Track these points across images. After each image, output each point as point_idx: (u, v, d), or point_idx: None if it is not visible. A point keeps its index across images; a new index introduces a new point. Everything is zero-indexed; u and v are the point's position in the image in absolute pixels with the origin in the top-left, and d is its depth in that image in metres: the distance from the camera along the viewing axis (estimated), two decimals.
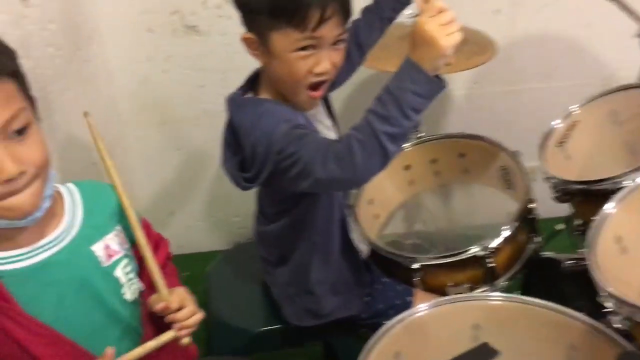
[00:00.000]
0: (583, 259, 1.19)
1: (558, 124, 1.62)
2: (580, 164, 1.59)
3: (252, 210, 1.42)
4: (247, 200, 1.42)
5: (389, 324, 1.15)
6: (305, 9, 1.08)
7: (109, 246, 1.03)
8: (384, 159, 1.02)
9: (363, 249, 1.45)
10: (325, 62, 1.15)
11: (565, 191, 1.45)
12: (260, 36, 1.15)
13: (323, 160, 1.04)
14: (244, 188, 1.20)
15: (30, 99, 0.93)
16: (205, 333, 1.58)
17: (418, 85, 0.98)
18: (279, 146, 1.09)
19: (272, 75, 1.19)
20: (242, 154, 1.19)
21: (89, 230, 1.01)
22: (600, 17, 1.99)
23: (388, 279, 1.45)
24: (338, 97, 2.03)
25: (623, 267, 1.17)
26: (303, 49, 1.13)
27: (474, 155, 1.72)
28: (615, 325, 1.06)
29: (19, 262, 0.94)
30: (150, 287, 1.09)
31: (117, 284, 1.04)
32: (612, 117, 1.62)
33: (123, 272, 1.04)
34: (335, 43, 1.16)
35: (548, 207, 1.60)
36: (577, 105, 1.63)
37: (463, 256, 1.41)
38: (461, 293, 1.41)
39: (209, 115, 2.07)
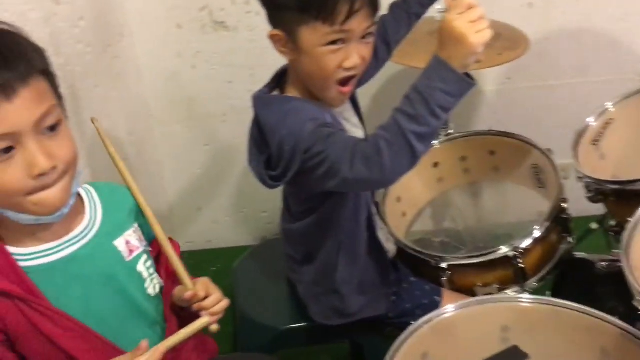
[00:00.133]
0: (617, 261, 1.16)
1: (592, 121, 1.58)
2: (614, 163, 1.56)
3: (279, 206, 1.42)
4: (274, 196, 1.42)
5: (416, 324, 1.14)
6: (334, 2, 1.07)
7: (129, 242, 1.05)
8: (413, 158, 1.01)
9: (390, 248, 1.44)
10: (355, 56, 1.14)
11: (599, 191, 1.42)
12: (288, 32, 1.14)
13: (350, 160, 1.03)
14: (271, 186, 1.20)
15: (59, 97, 0.95)
16: (231, 329, 1.59)
17: (447, 83, 0.97)
18: (306, 145, 1.08)
19: (301, 71, 1.18)
20: (269, 152, 1.18)
21: (110, 227, 1.03)
22: (636, 9, 1.95)
23: (416, 278, 1.44)
24: (366, 93, 2.02)
25: None
26: (332, 43, 1.12)
27: (505, 152, 1.69)
28: None
29: (45, 257, 0.96)
30: (168, 283, 1.11)
31: (140, 279, 1.05)
32: None
33: (144, 267, 1.06)
34: (364, 37, 1.14)
35: (581, 205, 1.57)
36: (612, 102, 1.59)
37: (492, 256, 1.39)
38: (490, 294, 1.39)
39: (237, 112, 2.07)
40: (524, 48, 1.64)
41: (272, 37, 1.17)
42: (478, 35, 0.95)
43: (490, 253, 1.39)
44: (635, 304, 1.04)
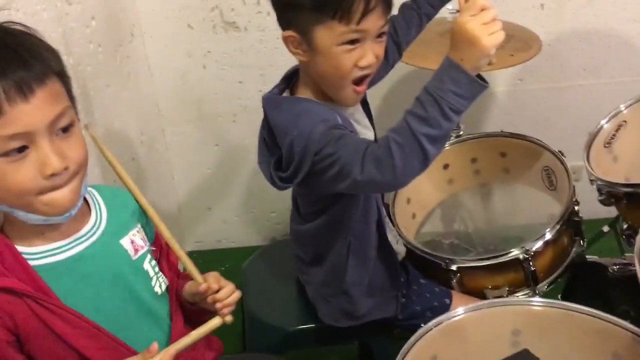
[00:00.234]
0: (630, 264, 1.15)
1: (605, 123, 1.57)
2: (627, 166, 1.54)
3: (288, 206, 1.41)
4: (283, 196, 1.42)
5: (425, 327, 1.13)
6: (351, 1, 1.07)
7: (134, 241, 1.06)
8: (424, 161, 1.00)
9: (400, 249, 1.43)
10: (370, 54, 1.14)
11: (611, 194, 1.40)
12: (303, 33, 1.13)
13: (361, 162, 1.03)
14: (280, 188, 1.20)
15: (72, 99, 0.96)
16: (240, 329, 1.59)
17: (459, 85, 0.96)
18: (317, 147, 1.08)
19: (315, 72, 1.18)
20: (279, 153, 1.18)
21: (115, 226, 1.04)
22: None
23: (425, 280, 1.43)
24: (377, 94, 2.02)
25: None
26: (348, 42, 1.12)
27: (516, 154, 1.68)
28: None
29: (54, 255, 0.96)
30: (172, 282, 1.12)
31: (147, 277, 1.06)
32: None
33: (150, 266, 1.07)
34: (378, 36, 1.14)
35: (592, 207, 1.56)
36: (624, 104, 1.57)
37: (503, 259, 1.38)
38: (500, 296, 1.38)
39: (247, 112, 2.08)
40: (535, 49, 1.63)
41: (286, 39, 1.17)
42: (491, 37, 0.94)
43: (501, 255, 1.39)
44: None
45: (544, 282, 1.42)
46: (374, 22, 1.11)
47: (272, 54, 1.97)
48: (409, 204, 1.65)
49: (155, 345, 0.93)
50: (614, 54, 2.03)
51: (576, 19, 1.98)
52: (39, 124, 0.87)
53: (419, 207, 1.71)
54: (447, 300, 1.38)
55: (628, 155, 1.56)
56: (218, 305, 1.04)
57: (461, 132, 1.73)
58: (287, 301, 1.51)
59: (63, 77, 0.93)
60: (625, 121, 1.57)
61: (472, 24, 0.94)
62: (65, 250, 0.97)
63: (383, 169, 1.01)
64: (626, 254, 1.46)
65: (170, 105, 2.07)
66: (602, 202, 1.44)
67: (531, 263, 1.37)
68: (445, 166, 1.73)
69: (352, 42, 1.12)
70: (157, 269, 1.09)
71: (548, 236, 1.40)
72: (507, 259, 1.38)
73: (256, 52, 1.98)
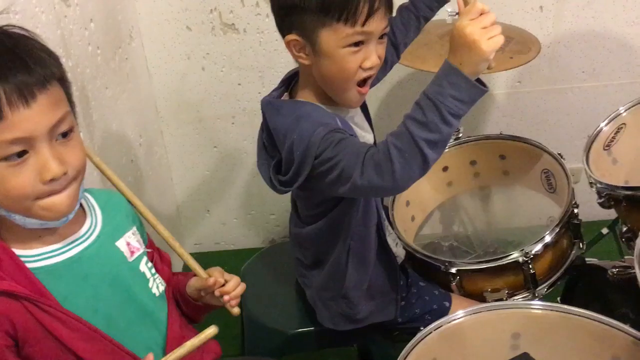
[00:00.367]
0: (629, 267, 1.14)
1: (604, 125, 1.57)
2: (627, 169, 1.54)
3: (287, 208, 1.41)
4: (283, 198, 1.42)
5: (425, 330, 1.13)
6: (356, 2, 1.07)
7: (129, 243, 1.06)
8: (424, 165, 1.00)
9: (399, 252, 1.43)
10: (374, 56, 1.14)
11: (610, 196, 1.40)
12: (307, 36, 1.13)
13: (361, 166, 1.03)
14: (280, 191, 1.20)
15: (72, 104, 0.96)
16: (239, 332, 1.59)
17: (458, 90, 0.96)
18: (317, 150, 1.08)
19: (319, 75, 1.17)
20: (278, 156, 1.18)
21: (110, 228, 1.04)
22: None
23: (425, 283, 1.43)
24: (377, 96, 2.02)
25: None
26: (353, 44, 1.12)
27: (515, 157, 1.68)
28: None
29: (51, 258, 0.96)
30: (169, 285, 1.13)
31: (144, 278, 1.07)
32: None
33: (147, 267, 1.08)
34: (380, 37, 1.15)
35: (590, 209, 1.56)
36: (624, 107, 1.57)
37: (502, 262, 1.38)
38: (500, 299, 1.38)
39: (246, 113, 2.08)
40: (535, 51, 1.63)
41: (289, 43, 1.16)
42: (490, 42, 0.94)
43: (500, 258, 1.38)
44: None
45: (544, 285, 1.42)
46: (377, 24, 1.11)
47: (270, 56, 1.97)
48: (408, 207, 1.64)
49: (150, 356, 0.93)
50: (613, 56, 2.03)
51: (575, 22, 1.98)
52: (39, 130, 0.87)
53: (418, 209, 1.70)
54: (447, 303, 1.38)
55: (627, 158, 1.56)
56: (225, 298, 1.09)
57: (460, 135, 1.73)
58: (286, 304, 1.50)
59: (64, 82, 0.94)
60: (624, 124, 1.56)
61: (471, 28, 0.94)
62: (62, 253, 0.97)
63: (383, 174, 1.01)
64: (625, 257, 1.45)
65: (169, 107, 2.07)
66: (601, 204, 1.44)
67: (530, 266, 1.37)
68: (445, 168, 1.73)
69: (357, 44, 1.12)
70: (153, 270, 1.09)
71: (547, 239, 1.39)
72: (507, 261, 1.38)
73: (255, 54, 1.98)
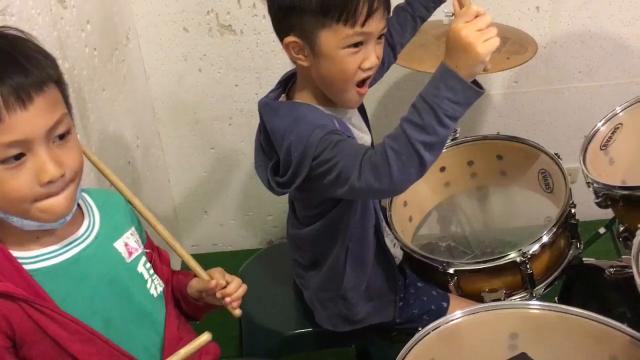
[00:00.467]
0: (627, 267, 1.15)
1: (601, 125, 1.57)
2: (624, 169, 1.54)
3: (285, 209, 1.41)
4: (280, 200, 1.42)
5: (423, 330, 1.13)
6: (355, 3, 1.08)
7: (127, 244, 1.06)
8: (421, 168, 1.00)
9: (397, 253, 1.43)
10: (373, 56, 1.14)
11: (608, 196, 1.40)
12: (306, 38, 1.13)
13: (359, 168, 1.03)
14: (278, 193, 1.20)
15: (69, 106, 0.96)
16: (237, 333, 1.59)
17: (454, 92, 0.96)
18: (315, 152, 1.08)
19: (318, 76, 1.17)
20: (276, 158, 1.18)
21: (108, 229, 1.04)
22: None
23: (423, 283, 1.43)
24: (374, 97, 2.02)
25: None
26: (353, 45, 1.12)
27: (513, 157, 1.68)
28: None
29: (49, 259, 0.96)
30: (167, 286, 1.13)
31: (142, 279, 1.06)
32: None
33: (144, 268, 1.08)
34: (379, 37, 1.15)
35: (587, 209, 1.56)
36: (620, 107, 1.58)
37: (500, 262, 1.38)
38: (498, 299, 1.38)
39: (243, 115, 2.08)
40: (531, 52, 1.63)
41: (287, 45, 1.16)
42: (486, 44, 0.94)
43: (498, 258, 1.38)
44: None
45: (541, 285, 1.42)
46: (376, 24, 1.11)
47: (267, 57, 1.98)
48: (405, 207, 1.65)
49: None
50: (609, 56, 2.04)
51: (571, 22, 1.98)
52: (36, 132, 0.87)
53: (416, 210, 1.71)
54: (445, 304, 1.38)
55: (624, 158, 1.56)
56: (227, 300, 1.09)
57: (457, 135, 1.73)
58: (284, 305, 1.50)
59: (60, 84, 0.93)
60: (621, 124, 1.57)
61: (466, 30, 0.94)
62: (60, 254, 0.97)
63: (380, 176, 1.01)
64: (623, 256, 1.46)
65: (166, 109, 2.07)
66: (598, 204, 1.44)
67: (528, 266, 1.37)
68: (442, 169, 1.73)
69: (356, 44, 1.12)
70: (151, 271, 1.09)
71: (545, 239, 1.39)
72: (504, 262, 1.38)
73: (252, 55, 1.98)
